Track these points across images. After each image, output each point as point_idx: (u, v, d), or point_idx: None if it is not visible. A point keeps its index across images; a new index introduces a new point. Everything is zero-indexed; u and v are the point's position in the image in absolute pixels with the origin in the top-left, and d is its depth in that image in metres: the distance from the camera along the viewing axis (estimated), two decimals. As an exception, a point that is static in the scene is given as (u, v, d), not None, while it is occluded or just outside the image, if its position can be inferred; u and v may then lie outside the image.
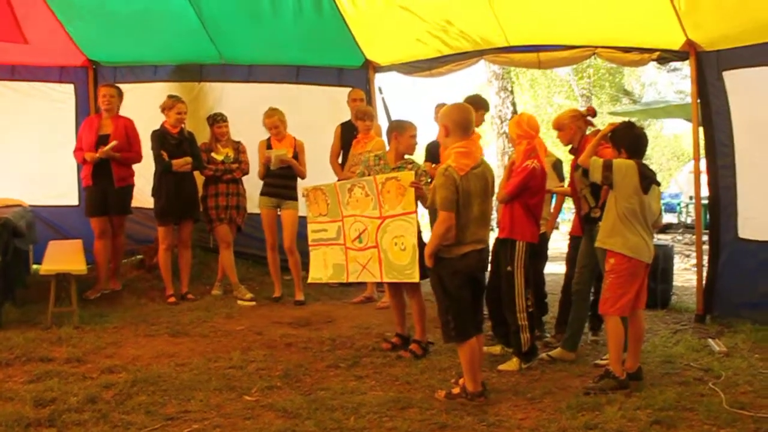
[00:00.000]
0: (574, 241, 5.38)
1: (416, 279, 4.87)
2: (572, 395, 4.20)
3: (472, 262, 4.10)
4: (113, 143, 6.65)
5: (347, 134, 7.12)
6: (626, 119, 5.20)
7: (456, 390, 4.17)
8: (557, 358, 4.98)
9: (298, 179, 6.89)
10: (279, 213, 6.96)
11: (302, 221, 6.43)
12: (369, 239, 5.06)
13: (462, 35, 7.11)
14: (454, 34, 7.12)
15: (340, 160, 7.22)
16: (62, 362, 4.75)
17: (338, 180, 6.47)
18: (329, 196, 5.34)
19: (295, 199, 6.76)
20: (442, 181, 4.00)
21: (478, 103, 5.70)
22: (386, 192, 4.93)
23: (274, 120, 6.83)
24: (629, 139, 4.46)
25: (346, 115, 7.30)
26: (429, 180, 5.11)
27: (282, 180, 6.83)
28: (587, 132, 5.03)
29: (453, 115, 4.18)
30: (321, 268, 5.44)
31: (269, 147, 6.85)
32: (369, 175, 5.20)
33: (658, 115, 15.00)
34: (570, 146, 5.09)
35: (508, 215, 4.86)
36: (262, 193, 6.93)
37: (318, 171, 7.00)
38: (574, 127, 5.02)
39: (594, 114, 5.06)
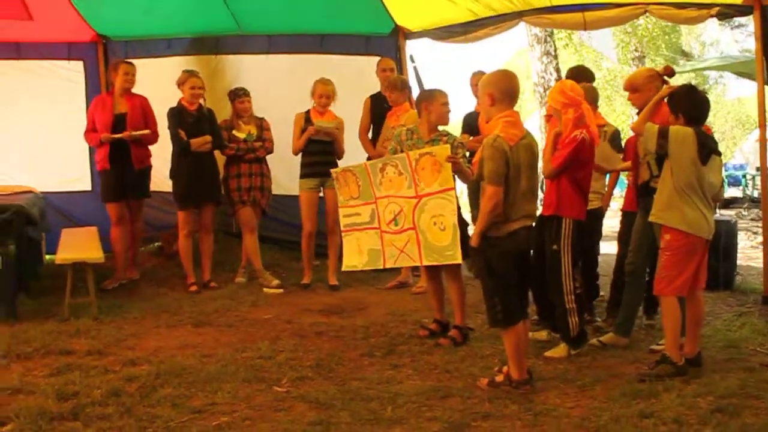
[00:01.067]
0: (627, 217, 5.39)
1: (459, 260, 4.92)
2: (626, 382, 4.25)
3: (522, 240, 4.17)
4: (145, 132, 6.83)
5: (377, 107, 7.18)
6: (688, 82, 5.14)
7: (500, 378, 4.25)
8: (609, 343, 5.02)
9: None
10: (321, 194, 7.05)
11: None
12: (406, 221, 5.12)
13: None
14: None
15: (370, 135, 7.28)
16: (83, 355, 4.92)
17: (369, 157, 6.55)
18: (360, 177, 5.40)
19: None
20: (491, 153, 4.04)
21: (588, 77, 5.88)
22: (421, 169, 4.98)
23: (329, 89, 6.94)
24: (689, 104, 4.43)
25: (376, 87, 7.35)
26: (466, 153, 5.16)
27: (323, 157, 6.90)
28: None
29: (500, 83, 4.22)
30: (355, 255, 5.53)
31: (308, 120, 6.92)
32: (401, 151, 5.25)
33: (722, 69, 14.63)
34: None
35: (554, 190, 4.88)
36: (303, 176, 7.01)
37: (347, 147, 7.09)
38: (652, 88, 4.84)
39: (672, 73, 4.93)
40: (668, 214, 4.36)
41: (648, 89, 4.85)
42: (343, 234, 5.64)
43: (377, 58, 7.49)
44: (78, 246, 6.41)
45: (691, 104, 4.44)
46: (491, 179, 4.03)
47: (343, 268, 5.77)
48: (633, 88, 4.99)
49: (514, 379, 4.16)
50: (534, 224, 4.28)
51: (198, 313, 6.06)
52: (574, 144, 4.76)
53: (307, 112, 7.01)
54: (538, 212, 4.71)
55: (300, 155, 7.04)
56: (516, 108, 4.27)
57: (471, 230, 4.53)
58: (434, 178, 4.92)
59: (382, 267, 5.52)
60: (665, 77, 4.90)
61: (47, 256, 7.55)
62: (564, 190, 4.83)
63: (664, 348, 4.46)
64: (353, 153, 7.06)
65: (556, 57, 14.45)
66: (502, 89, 4.19)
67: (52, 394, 4.09)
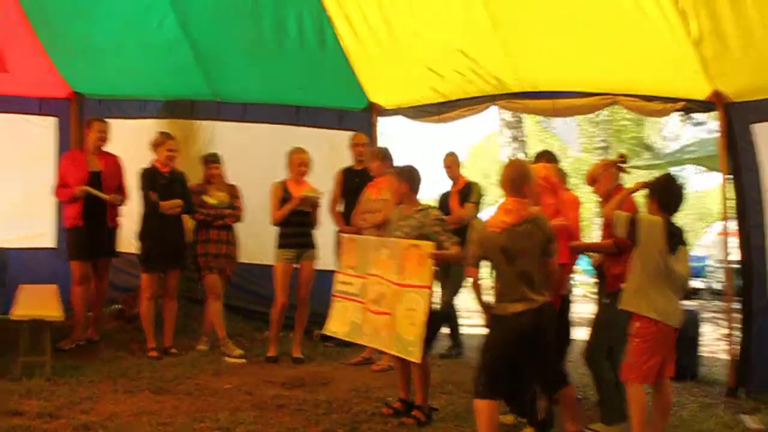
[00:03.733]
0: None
1: (418, 359, 4.88)
2: (591, 469, 4.22)
3: (526, 322, 4.26)
4: (120, 198, 6.93)
5: (348, 181, 7.26)
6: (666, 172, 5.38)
7: (465, 460, 4.20)
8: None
9: None
10: (296, 265, 6.98)
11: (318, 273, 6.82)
12: (386, 304, 5.14)
13: (474, 79, 7.28)
14: (465, 77, 7.30)
15: (342, 209, 7.30)
16: (33, 417, 4.75)
17: (341, 230, 6.72)
18: (361, 249, 5.51)
19: (314, 247, 6.85)
20: (471, 235, 4.46)
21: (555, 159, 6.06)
22: (408, 259, 5.02)
23: (306, 157, 6.96)
24: (664, 191, 4.60)
25: (348, 161, 7.43)
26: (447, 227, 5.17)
27: (300, 228, 6.90)
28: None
29: (502, 173, 4.51)
30: (339, 323, 5.59)
31: (286, 190, 6.90)
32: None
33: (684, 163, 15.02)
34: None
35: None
36: (280, 246, 6.91)
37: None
38: (609, 175, 5.16)
39: (624, 160, 5.25)
40: (637, 301, 4.42)
41: (605, 177, 5.20)
42: (333, 298, 5.70)
43: (350, 133, 7.59)
44: (36, 303, 6.26)
45: (667, 192, 4.60)
46: (467, 260, 4.45)
47: (324, 331, 5.85)
48: (592, 179, 5.30)
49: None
50: (541, 306, 4.30)
51: (157, 379, 5.92)
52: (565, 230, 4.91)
53: (284, 182, 7.00)
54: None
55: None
56: None
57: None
58: (416, 273, 4.96)
59: (359, 342, 5.66)
60: (619, 164, 5.22)
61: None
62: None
63: (629, 436, 4.45)
64: (323, 226, 7.10)
65: (524, 142, 14.77)
66: (502, 179, 4.47)
67: (-2, 457, 3.95)
